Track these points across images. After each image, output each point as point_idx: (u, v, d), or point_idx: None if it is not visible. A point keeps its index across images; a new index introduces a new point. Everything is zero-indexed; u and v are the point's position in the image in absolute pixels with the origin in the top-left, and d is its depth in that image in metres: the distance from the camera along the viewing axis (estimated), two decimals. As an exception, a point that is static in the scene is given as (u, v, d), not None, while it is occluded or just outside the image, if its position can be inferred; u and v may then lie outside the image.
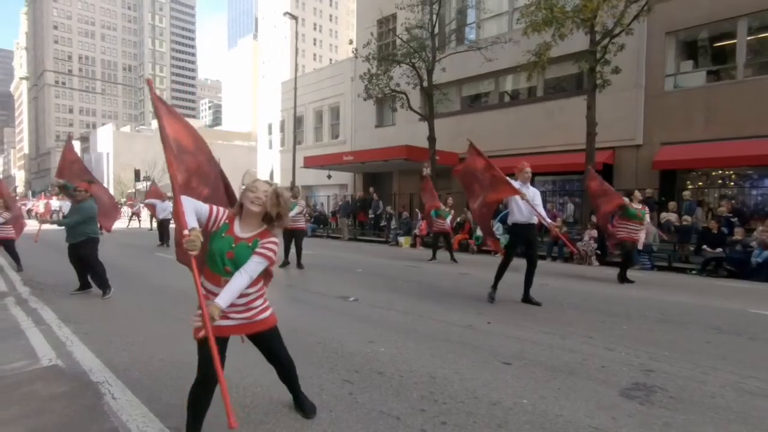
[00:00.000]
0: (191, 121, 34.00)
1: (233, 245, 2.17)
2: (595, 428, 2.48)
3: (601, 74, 11.23)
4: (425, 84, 15.36)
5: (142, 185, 39.38)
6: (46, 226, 7.43)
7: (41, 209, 22.24)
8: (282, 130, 27.20)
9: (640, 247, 7.98)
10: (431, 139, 15.28)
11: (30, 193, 64.42)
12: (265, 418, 2.55)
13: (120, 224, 18.27)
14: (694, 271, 9.25)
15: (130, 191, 43.79)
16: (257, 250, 2.17)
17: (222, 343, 2.20)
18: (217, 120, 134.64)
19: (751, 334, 4.47)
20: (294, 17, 24.33)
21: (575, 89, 14.92)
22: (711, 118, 12.06)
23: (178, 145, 2.43)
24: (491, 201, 5.87)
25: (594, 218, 9.92)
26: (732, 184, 12.84)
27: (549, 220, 6.27)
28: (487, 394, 2.91)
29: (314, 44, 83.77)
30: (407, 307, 5.41)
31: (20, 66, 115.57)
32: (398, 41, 16.46)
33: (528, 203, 5.41)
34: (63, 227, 5.94)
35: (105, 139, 59.90)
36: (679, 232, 10.42)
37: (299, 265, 8.59)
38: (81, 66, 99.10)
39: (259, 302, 2.29)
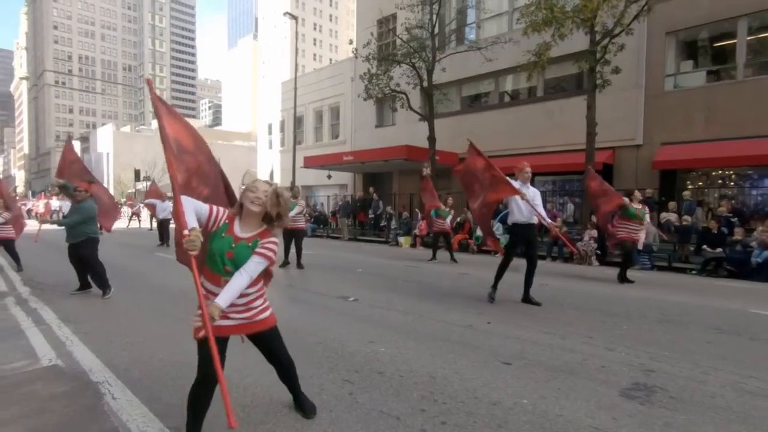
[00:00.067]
0: (191, 121, 34.02)
1: (233, 245, 2.17)
2: (595, 428, 2.48)
3: (601, 74, 11.22)
4: (425, 84, 15.35)
5: (142, 185, 39.38)
6: (46, 226, 7.44)
7: (41, 209, 22.24)
8: (282, 130, 27.19)
9: (640, 247, 7.98)
10: (431, 139, 15.28)
11: (30, 193, 64.42)
12: (265, 418, 2.55)
13: (120, 224, 18.27)
14: (694, 271, 9.25)
15: (130, 191, 43.77)
16: (257, 250, 2.17)
17: (222, 343, 2.20)
18: (217, 120, 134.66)
19: (751, 334, 4.47)
20: (294, 17, 24.33)
21: (575, 89, 14.92)
22: (711, 118, 12.06)
23: (178, 145, 2.43)
24: (491, 201, 5.87)
25: (594, 218, 9.92)
26: (732, 184, 12.83)
27: (549, 220, 6.26)
28: (487, 394, 2.91)
29: (314, 44, 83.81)
30: (407, 307, 5.41)
31: (20, 66, 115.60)
32: (398, 41, 16.46)
33: (528, 203, 5.41)
34: (63, 227, 5.94)
35: (105, 139, 59.90)
36: (679, 232, 10.42)
37: (299, 265, 8.59)
38: (81, 66, 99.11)
39: (259, 302, 2.29)
